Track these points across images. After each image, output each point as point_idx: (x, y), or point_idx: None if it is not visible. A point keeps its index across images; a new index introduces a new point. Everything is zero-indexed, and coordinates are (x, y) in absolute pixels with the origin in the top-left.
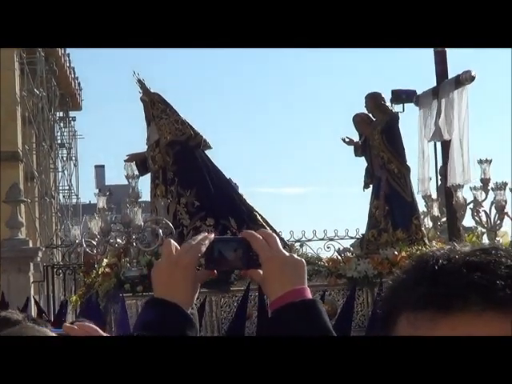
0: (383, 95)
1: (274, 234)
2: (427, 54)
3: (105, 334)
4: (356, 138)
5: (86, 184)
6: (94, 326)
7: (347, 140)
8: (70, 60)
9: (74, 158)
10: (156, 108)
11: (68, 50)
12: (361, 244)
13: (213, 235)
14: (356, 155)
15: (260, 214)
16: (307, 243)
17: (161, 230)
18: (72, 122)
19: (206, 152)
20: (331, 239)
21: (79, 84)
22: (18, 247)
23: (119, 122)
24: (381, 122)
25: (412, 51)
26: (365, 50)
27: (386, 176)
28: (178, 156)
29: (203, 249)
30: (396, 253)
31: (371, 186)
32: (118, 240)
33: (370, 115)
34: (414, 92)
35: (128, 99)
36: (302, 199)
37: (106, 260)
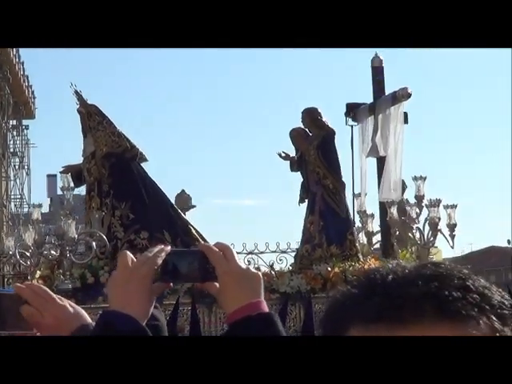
0: (319, 110)
1: (231, 247)
2: (365, 70)
3: (54, 295)
4: (293, 152)
5: (37, 193)
6: (44, 287)
7: (283, 155)
8: (24, 68)
9: (26, 167)
10: (92, 120)
11: (22, 58)
12: (295, 259)
13: (169, 247)
14: (292, 170)
15: (195, 228)
16: (260, 255)
17: (94, 243)
18: (25, 131)
19: (142, 164)
20: (284, 252)
21: (33, 92)
22: None
23: (73, 132)
24: (317, 137)
25: (348, 66)
26: (305, 64)
27: (321, 191)
28: (113, 168)
29: (159, 261)
30: (329, 268)
31: (307, 200)
32: (52, 252)
33: (307, 130)
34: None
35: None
36: (256, 211)
37: (39, 272)
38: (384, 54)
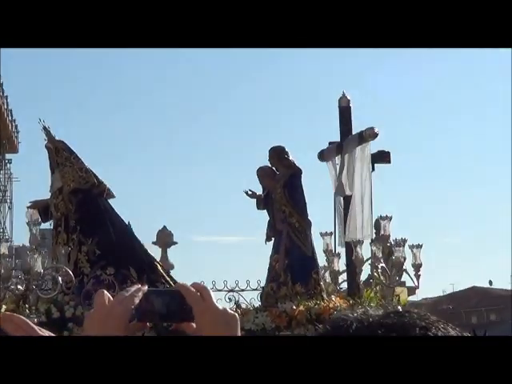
0: (287, 149)
1: (208, 288)
2: (332, 110)
3: (34, 326)
4: (260, 190)
5: (19, 227)
6: (23, 318)
7: (250, 193)
8: (7, 102)
9: (8, 201)
10: (60, 155)
11: (6, 93)
12: (260, 297)
13: (146, 287)
14: (258, 208)
15: (161, 265)
16: (240, 293)
17: (60, 278)
18: (8, 165)
19: (109, 201)
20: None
21: (16, 127)
22: None
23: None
24: (283, 176)
25: (315, 105)
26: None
27: (287, 230)
28: (80, 204)
29: (136, 300)
30: (294, 307)
31: (273, 239)
32: (19, 286)
33: (274, 169)
34: None
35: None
36: (238, 248)
37: (4, 306)
38: (351, 93)
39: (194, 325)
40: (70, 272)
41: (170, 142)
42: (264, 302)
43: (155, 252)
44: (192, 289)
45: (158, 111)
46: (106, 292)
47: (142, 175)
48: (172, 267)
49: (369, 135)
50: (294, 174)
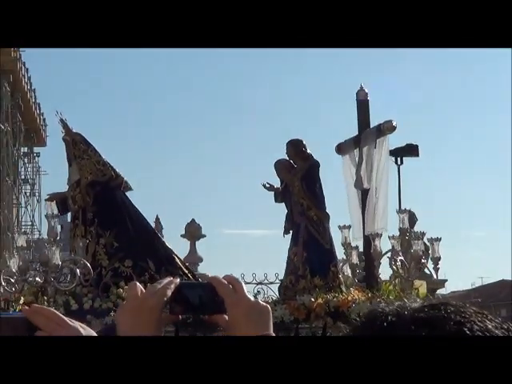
0: (304, 142)
1: (240, 280)
2: (350, 103)
3: (65, 318)
4: (278, 183)
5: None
6: (53, 310)
7: (268, 186)
8: (35, 96)
9: (37, 194)
10: (78, 148)
11: (34, 86)
12: (279, 290)
13: (178, 279)
14: (276, 201)
15: (179, 257)
16: (269, 286)
17: (78, 270)
18: (36, 158)
19: (127, 193)
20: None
21: (44, 120)
22: None
23: None
24: (301, 169)
25: (335, 98)
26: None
27: (305, 223)
28: (98, 197)
29: (169, 293)
30: (313, 299)
31: (291, 232)
32: (37, 279)
33: (292, 162)
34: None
35: (93, 136)
36: (267, 241)
37: (22, 298)
38: (370, 86)
39: (226, 317)
40: (88, 264)
41: (199, 138)
42: (282, 295)
43: (184, 245)
44: (224, 281)
45: (186, 107)
46: (138, 284)
47: (172, 169)
48: (200, 260)
49: (387, 128)
50: (312, 166)
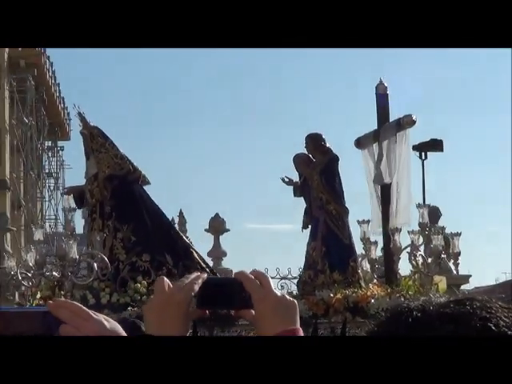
0: (323, 136)
1: (267, 275)
2: (370, 96)
3: (89, 311)
4: (297, 177)
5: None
6: (77, 303)
7: (286, 180)
8: (59, 90)
9: (61, 188)
10: (95, 142)
11: (58, 80)
12: (297, 285)
13: (205, 275)
14: (295, 196)
15: (196, 251)
16: (293, 280)
17: (96, 264)
18: (60, 152)
19: (145, 187)
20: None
21: (68, 114)
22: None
23: None
24: (320, 163)
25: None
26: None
27: (323, 217)
28: (115, 190)
29: (196, 288)
30: (331, 295)
31: (310, 226)
32: (54, 273)
33: (310, 156)
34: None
35: (117, 132)
36: (291, 236)
37: (40, 293)
38: (389, 80)
39: (252, 312)
40: (106, 258)
41: (223, 131)
42: (301, 290)
43: (208, 239)
44: (251, 276)
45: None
46: (165, 278)
47: (195, 163)
48: (224, 254)
49: (406, 122)
50: (331, 160)
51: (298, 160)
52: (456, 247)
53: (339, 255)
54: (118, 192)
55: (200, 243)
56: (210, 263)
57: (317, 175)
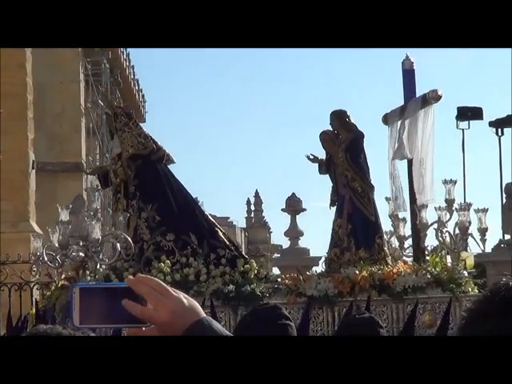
0: (348, 113)
1: (156, 278)
2: (397, 72)
3: (168, 288)
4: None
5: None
6: (157, 279)
7: (311, 157)
8: (134, 72)
9: None
10: (119, 121)
11: (133, 62)
12: (324, 262)
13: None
14: (320, 173)
15: (222, 231)
16: None
17: (119, 245)
18: None
19: (169, 166)
20: None
21: (143, 96)
22: None
23: (181, 135)
24: (345, 140)
25: (381, 68)
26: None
27: (349, 194)
28: (139, 170)
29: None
30: (357, 272)
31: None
32: (81, 253)
33: (336, 132)
34: (480, 109)
35: (189, 112)
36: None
37: (64, 274)
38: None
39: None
40: (129, 239)
41: (292, 118)
42: (327, 268)
43: (285, 219)
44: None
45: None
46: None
47: (273, 144)
48: (301, 234)
49: (432, 98)
50: (356, 137)
51: (324, 137)
52: (483, 223)
53: (365, 232)
54: (141, 172)
55: (277, 223)
56: (287, 243)
57: (342, 152)
